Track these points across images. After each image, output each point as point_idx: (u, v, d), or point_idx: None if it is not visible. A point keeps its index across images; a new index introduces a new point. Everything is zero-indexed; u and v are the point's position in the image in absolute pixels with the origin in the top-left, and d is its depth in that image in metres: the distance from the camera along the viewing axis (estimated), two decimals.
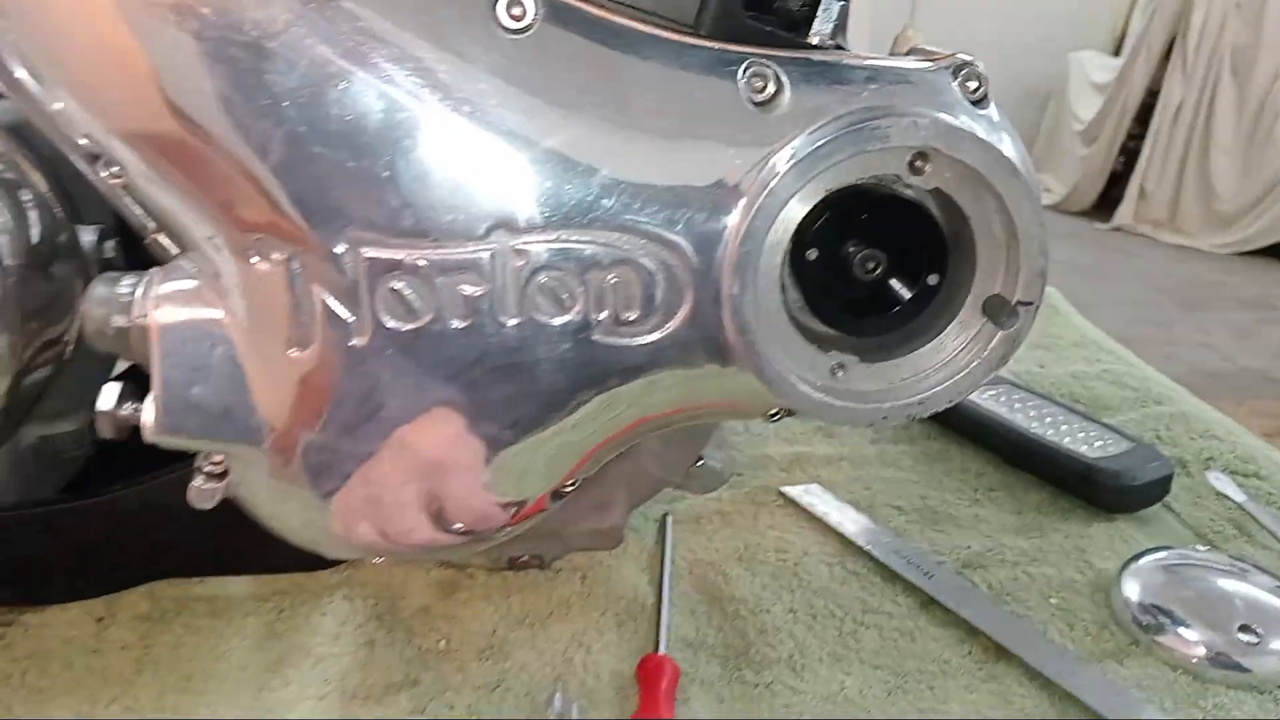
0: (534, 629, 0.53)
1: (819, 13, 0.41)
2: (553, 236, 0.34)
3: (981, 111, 0.36)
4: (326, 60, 0.32)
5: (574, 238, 0.34)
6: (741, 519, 0.63)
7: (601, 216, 0.34)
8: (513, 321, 0.35)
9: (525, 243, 0.34)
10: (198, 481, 0.39)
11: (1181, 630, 0.52)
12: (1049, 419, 0.70)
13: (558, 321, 0.35)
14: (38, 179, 0.43)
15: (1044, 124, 4.45)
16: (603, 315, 0.35)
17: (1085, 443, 0.66)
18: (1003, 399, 0.72)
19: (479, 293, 0.34)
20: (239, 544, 0.46)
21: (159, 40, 0.32)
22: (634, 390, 0.37)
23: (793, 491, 0.65)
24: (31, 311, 0.42)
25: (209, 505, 0.39)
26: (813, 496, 0.65)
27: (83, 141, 0.34)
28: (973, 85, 0.37)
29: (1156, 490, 0.65)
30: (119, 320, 0.36)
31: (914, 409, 0.37)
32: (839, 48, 0.42)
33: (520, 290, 0.34)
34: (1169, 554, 0.58)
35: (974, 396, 0.72)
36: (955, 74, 0.37)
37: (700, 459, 0.53)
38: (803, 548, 0.60)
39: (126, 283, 0.36)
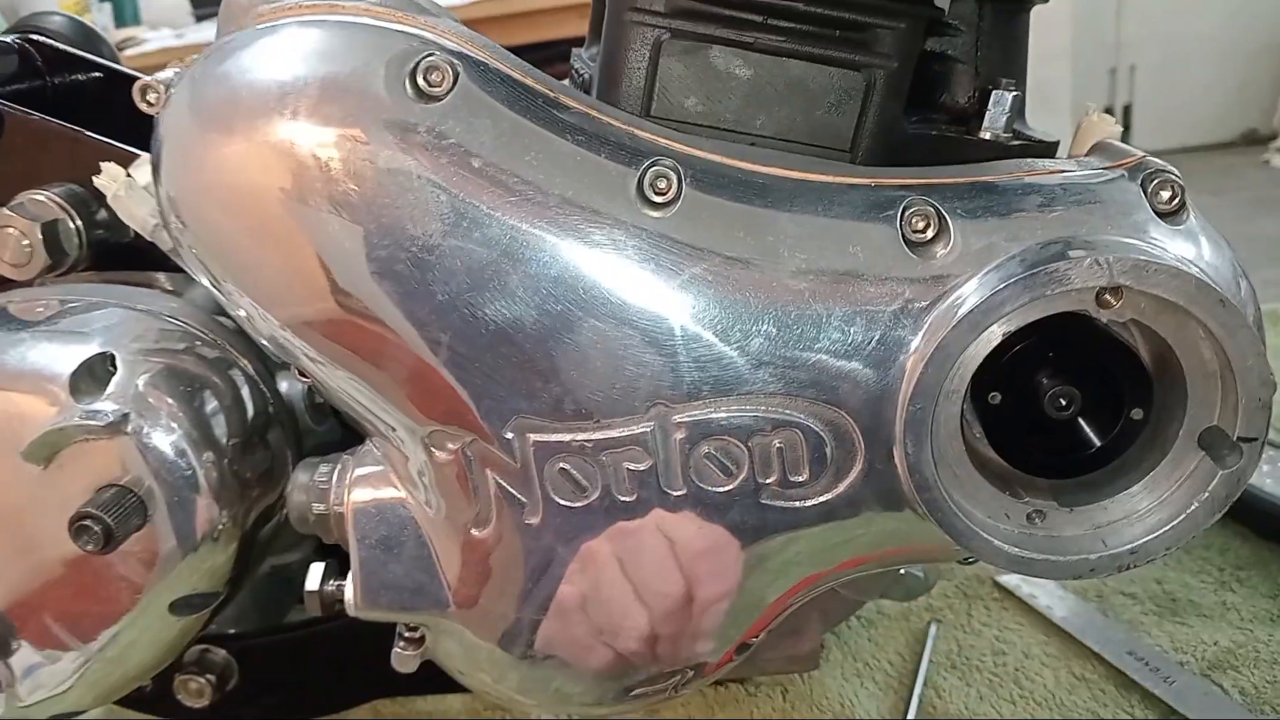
0: None
1: (990, 107, 0.39)
2: (711, 407, 0.33)
3: (1177, 225, 0.33)
4: (483, 266, 0.33)
5: (733, 406, 0.33)
6: (953, 616, 0.59)
7: (759, 383, 0.33)
8: (679, 492, 0.34)
9: (684, 415, 0.33)
10: (398, 647, 0.41)
11: None
12: None
13: (724, 489, 0.34)
14: (245, 363, 0.47)
15: None
16: (770, 479, 0.34)
17: None
18: None
19: (644, 467, 0.34)
20: None
21: (332, 240, 0.34)
22: (807, 548, 0.36)
23: (1009, 581, 0.61)
24: (252, 480, 0.45)
25: (409, 669, 0.41)
26: (1033, 586, 0.60)
27: (266, 345, 0.37)
28: (1165, 195, 0.33)
29: None
30: (319, 507, 0.38)
31: (1125, 559, 0.33)
32: (1017, 136, 0.39)
33: (684, 462, 0.34)
34: None
35: None
36: (1144, 184, 0.33)
37: (901, 568, 0.50)
38: (1023, 648, 0.56)
39: (323, 470, 0.39)
